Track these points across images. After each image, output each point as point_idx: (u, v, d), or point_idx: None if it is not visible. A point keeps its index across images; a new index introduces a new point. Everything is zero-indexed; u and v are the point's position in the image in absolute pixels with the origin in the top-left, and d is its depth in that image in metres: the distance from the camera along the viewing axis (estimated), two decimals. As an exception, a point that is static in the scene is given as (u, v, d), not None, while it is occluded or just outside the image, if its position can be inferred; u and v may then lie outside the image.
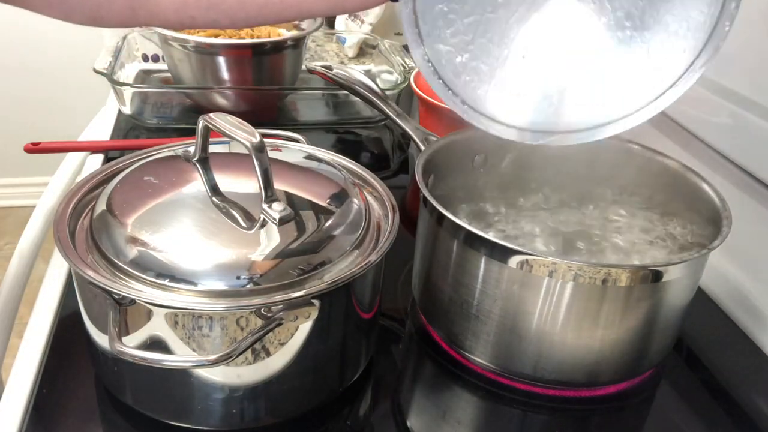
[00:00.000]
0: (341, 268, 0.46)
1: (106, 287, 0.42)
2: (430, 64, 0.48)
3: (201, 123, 0.50)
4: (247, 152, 0.46)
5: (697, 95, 0.66)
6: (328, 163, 0.55)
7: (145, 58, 1.08)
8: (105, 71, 0.90)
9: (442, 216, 0.51)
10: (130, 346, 0.41)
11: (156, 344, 0.44)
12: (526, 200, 0.63)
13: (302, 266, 0.44)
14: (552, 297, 0.48)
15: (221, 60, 0.91)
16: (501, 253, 0.49)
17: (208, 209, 0.47)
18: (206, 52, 0.91)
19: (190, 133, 0.52)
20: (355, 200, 0.51)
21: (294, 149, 0.59)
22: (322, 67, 0.80)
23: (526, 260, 0.48)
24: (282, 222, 0.46)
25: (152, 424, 0.48)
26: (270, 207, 0.46)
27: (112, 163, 0.55)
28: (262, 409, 0.48)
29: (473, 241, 0.50)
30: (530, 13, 0.48)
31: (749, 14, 0.59)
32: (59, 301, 0.59)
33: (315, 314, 0.44)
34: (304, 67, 0.99)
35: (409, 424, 0.52)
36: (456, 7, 0.47)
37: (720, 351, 0.61)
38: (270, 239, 0.45)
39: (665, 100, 0.49)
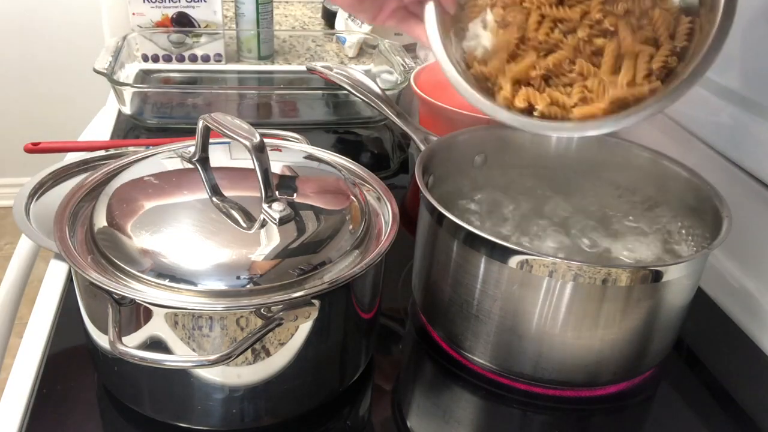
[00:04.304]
0: (341, 268, 0.46)
1: (106, 287, 0.42)
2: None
3: (201, 123, 0.50)
4: (247, 152, 0.46)
5: (697, 95, 0.66)
6: (328, 163, 0.55)
7: (145, 58, 1.08)
8: (105, 71, 0.90)
9: (442, 216, 0.51)
10: (130, 346, 0.41)
11: (156, 344, 0.44)
12: (525, 200, 0.63)
13: (302, 266, 0.44)
14: (552, 297, 0.48)
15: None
16: (501, 253, 0.49)
17: (208, 209, 0.47)
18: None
19: (190, 133, 0.52)
20: (355, 200, 0.51)
21: (294, 149, 0.59)
22: (322, 67, 0.80)
23: (526, 260, 0.48)
24: (282, 222, 0.46)
25: (152, 424, 0.48)
26: (270, 207, 0.46)
27: (111, 162, 0.54)
28: (262, 409, 0.48)
29: (473, 241, 0.50)
30: None
31: (749, 14, 0.59)
32: (59, 301, 0.59)
33: (315, 314, 0.44)
34: (304, 68, 0.99)
35: (409, 424, 0.52)
36: None
37: (720, 351, 0.61)
38: (270, 239, 0.45)
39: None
